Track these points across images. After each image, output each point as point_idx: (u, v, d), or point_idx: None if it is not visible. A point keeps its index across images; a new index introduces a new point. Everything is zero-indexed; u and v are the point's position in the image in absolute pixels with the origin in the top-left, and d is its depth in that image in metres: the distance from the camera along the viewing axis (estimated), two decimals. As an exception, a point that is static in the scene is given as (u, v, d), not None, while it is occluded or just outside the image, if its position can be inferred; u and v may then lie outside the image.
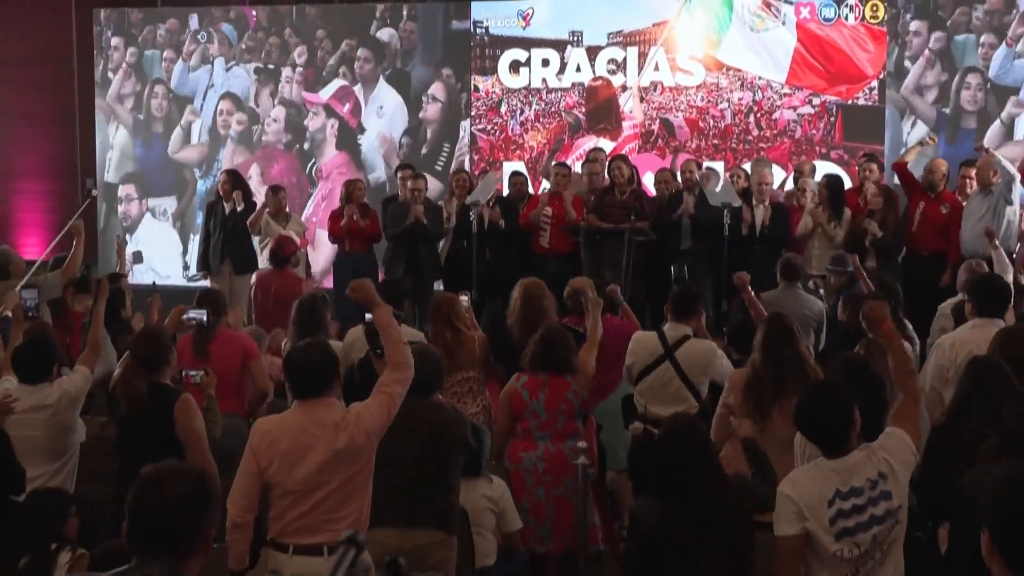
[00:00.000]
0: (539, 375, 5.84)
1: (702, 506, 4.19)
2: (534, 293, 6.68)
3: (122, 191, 13.82)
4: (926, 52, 11.82)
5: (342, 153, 13.26)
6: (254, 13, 13.42)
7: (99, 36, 13.78)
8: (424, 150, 13.01)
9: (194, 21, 13.56)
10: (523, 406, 5.82)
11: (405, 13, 13.07)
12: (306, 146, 13.37)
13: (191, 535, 2.79)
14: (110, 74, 13.79)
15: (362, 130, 13.21)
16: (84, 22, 13.69)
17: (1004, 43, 11.66)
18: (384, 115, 13.15)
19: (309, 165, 13.31)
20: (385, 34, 13.12)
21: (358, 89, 13.23)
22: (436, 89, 13.02)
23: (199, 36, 13.56)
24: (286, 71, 13.39)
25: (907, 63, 11.93)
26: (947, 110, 11.77)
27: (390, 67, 13.13)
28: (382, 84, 13.16)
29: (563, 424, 5.82)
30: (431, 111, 13.05)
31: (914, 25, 11.92)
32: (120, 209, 13.83)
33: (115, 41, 13.75)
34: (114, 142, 13.85)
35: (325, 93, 13.32)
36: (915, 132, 11.74)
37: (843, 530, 3.89)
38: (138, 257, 8.55)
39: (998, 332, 5.47)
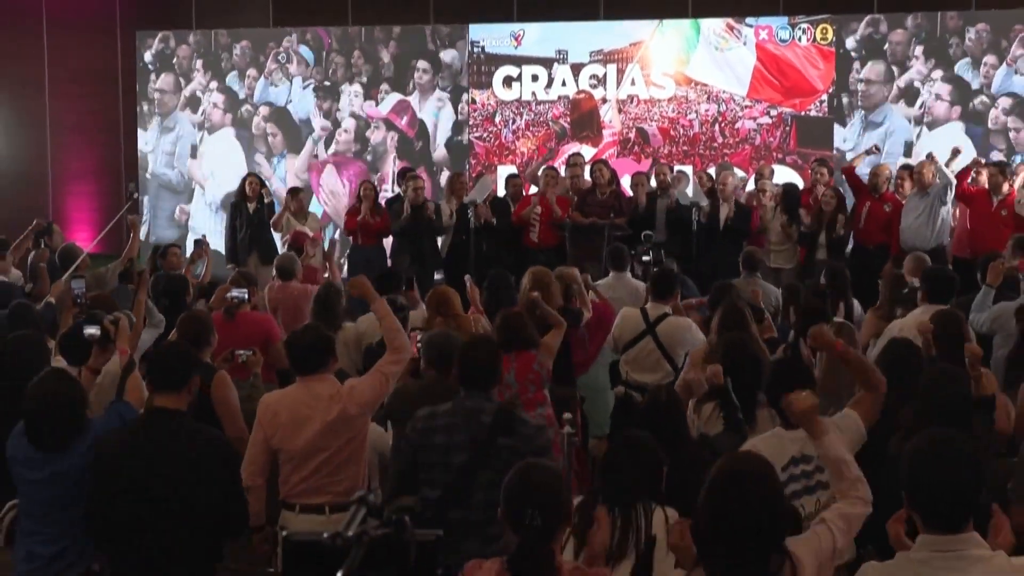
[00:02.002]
0: (507, 353, 5.72)
1: (676, 468, 4.10)
2: (543, 280, 6.59)
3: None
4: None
5: (403, 162, 12.85)
6: (328, 34, 13.10)
7: (190, 57, 13.36)
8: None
9: (294, 41, 13.13)
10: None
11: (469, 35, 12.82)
12: (368, 157, 13.04)
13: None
14: (198, 92, 13.41)
15: (420, 140, 12.92)
16: (127, 42, 13.54)
17: (1004, 63, 11.67)
18: (439, 126, 12.92)
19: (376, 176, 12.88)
20: (448, 55, 12.87)
21: (414, 99, 12.93)
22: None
23: (279, 56, 13.26)
24: (354, 87, 13.07)
25: (916, 83, 11.93)
26: (973, 125, 11.72)
27: (450, 84, 12.89)
28: (439, 95, 12.91)
29: (532, 393, 5.68)
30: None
31: (918, 50, 11.89)
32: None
33: (198, 63, 13.39)
34: (204, 151, 13.45)
35: (384, 107, 13.02)
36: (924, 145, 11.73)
37: (792, 493, 3.79)
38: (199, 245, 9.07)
39: (934, 313, 5.38)
